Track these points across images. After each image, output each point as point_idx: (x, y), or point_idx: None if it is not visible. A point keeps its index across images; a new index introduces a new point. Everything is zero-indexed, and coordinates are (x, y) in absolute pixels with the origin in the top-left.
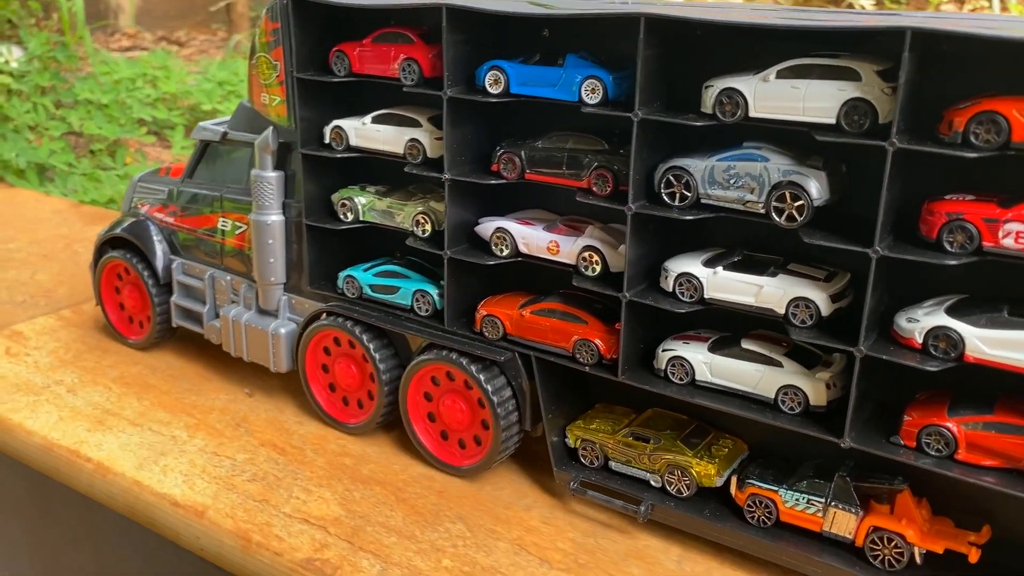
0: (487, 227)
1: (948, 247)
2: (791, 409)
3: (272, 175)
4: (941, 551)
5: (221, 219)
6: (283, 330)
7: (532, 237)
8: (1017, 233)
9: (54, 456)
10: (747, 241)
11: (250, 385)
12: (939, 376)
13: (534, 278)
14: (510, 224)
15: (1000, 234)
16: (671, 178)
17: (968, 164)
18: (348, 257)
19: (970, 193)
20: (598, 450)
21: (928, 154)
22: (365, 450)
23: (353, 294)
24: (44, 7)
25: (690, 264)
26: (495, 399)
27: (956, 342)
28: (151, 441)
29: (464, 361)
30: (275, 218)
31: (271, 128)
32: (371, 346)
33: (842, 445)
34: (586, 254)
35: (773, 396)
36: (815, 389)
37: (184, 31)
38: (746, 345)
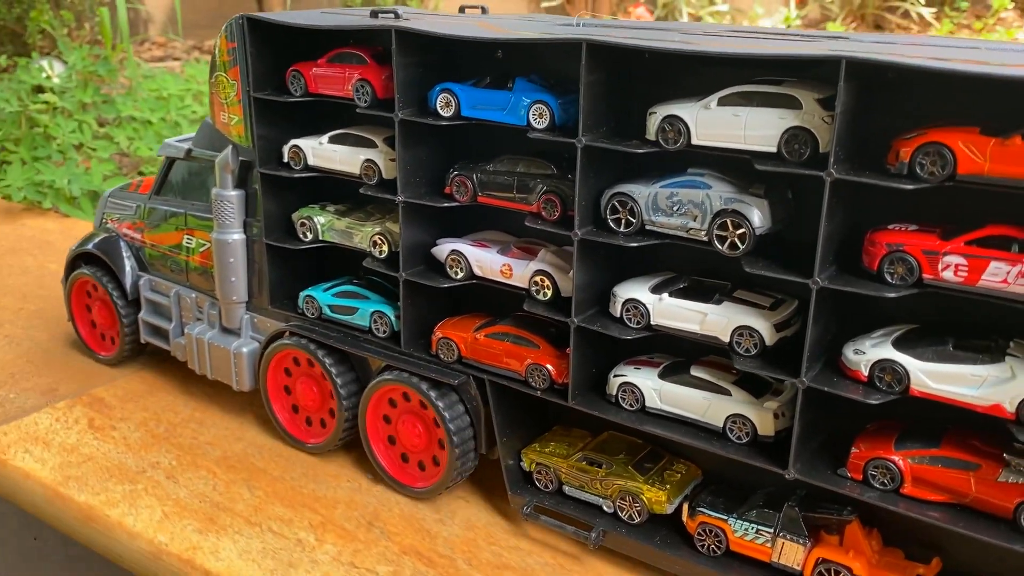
0: (443, 249)
1: (889, 279)
2: (739, 438)
3: (233, 194)
4: None
5: (186, 236)
6: (245, 349)
7: (486, 260)
8: (956, 266)
9: (164, 566)
10: (700, 266)
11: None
12: (893, 408)
13: (493, 300)
14: (465, 247)
15: (939, 266)
16: (616, 204)
17: (919, 194)
18: (310, 276)
19: (914, 224)
20: (552, 474)
21: (875, 183)
22: (526, 561)
23: (313, 314)
24: (76, 16)
25: (637, 290)
26: (450, 421)
27: (901, 376)
28: (274, 547)
29: (419, 383)
30: (236, 237)
31: (231, 147)
32: (330, 367)
33: (787, 477)
34: (537, 278)
35: (721, 424)
36: (762, 419)
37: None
38: (695, 372)
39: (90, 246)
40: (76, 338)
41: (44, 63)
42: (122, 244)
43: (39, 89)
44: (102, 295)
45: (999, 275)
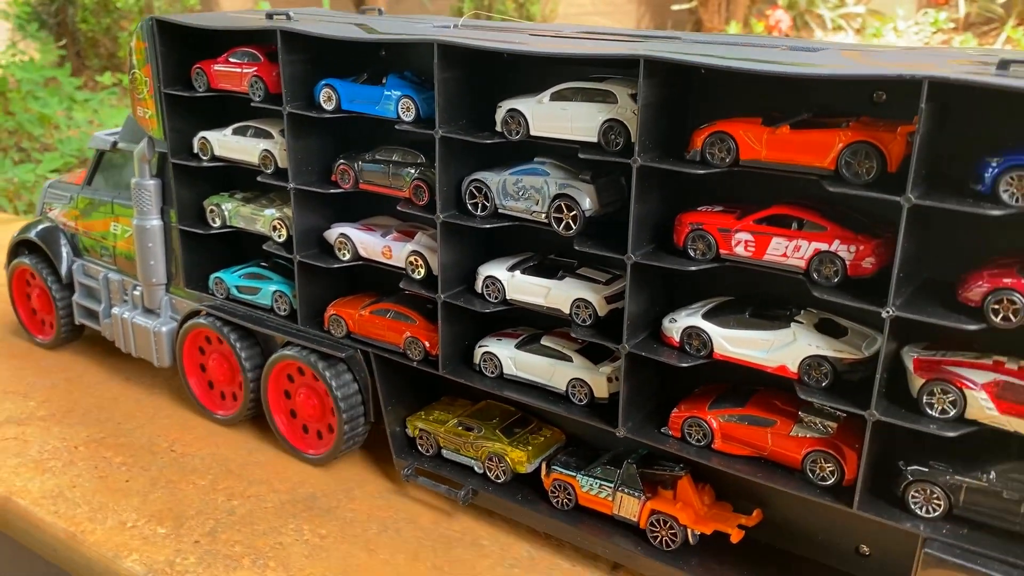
0: (332, 232)
1: (692, 254)
2: (580, 400)
3: (150, 183)
4: (710, 532)
5: (113, 223)
6: (164, 328)
7: (369, 242)
8: (745, 242)
9: None
10: (561, 247)
11: None
12: (717, 371)
13: (386, 281)
14: (351, 230)
15: (732, 242)
16: (473, 190)
17: (723, 177)
18: (225, 259)
19: (720, 205)
20: (432, 439)
21: (673, 169)
22: (402, 518)
23: (222, 295)
24: None
25: (496, 268)
26: (338, 393)
27: (706, 341)
28: None
29: (312, 358)
30: (154, 223)
31: (147, 138)
32: (236, 343)
33: (618, 434)
34: (412, 258)
35: (565, 388)
36: (597, 382)
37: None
38: (545, 341)
39: (31, 234)
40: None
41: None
42: (60, 232)
43: None
44: (40, 282)
45: (780, 250)
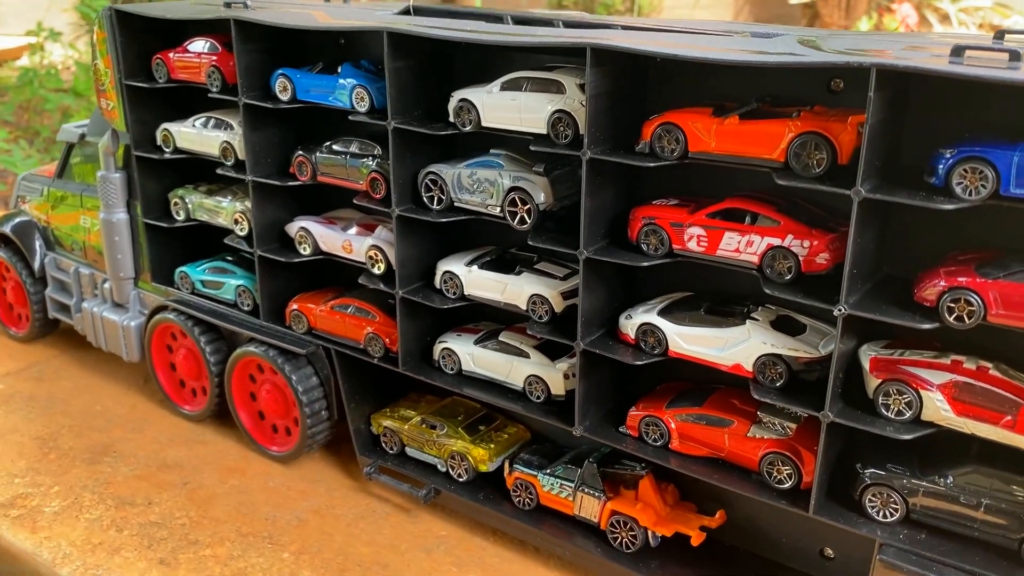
0: (293, 226)
1: (645, 249)
2: (537, 398)
3: (116, 176)
4: (670, 535)
5: (83, 217)
6: (133, 323)
7: (329, 236)
8: (698, 237)
9: None
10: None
11: None
12: (682, 369)
13: (353, 275)
14: (311, 224)
15: (685, 237)
16: (428, 183)
17: (680, 170)
18: (192, 253)
19: (676, 198)
20: (396, 437)
21: (623, 162)
22: (364, 516)
23: (187, 289)
24: None
25: (454, 263)
26: (301, 391)
27: (661, 338)
28: None
29: (273, 354)
30: (120, 216)
31: (110, 130)
32: (200, 338)
33: (574, 433)
34: (372, 252)
35: (522, 385)
36: (554, 379)
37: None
38: (503, 337)
39: (5, 228)
40: None
41: None
42: (34, 225)
43: None
44: (15, 275)
45: (732, 245)
